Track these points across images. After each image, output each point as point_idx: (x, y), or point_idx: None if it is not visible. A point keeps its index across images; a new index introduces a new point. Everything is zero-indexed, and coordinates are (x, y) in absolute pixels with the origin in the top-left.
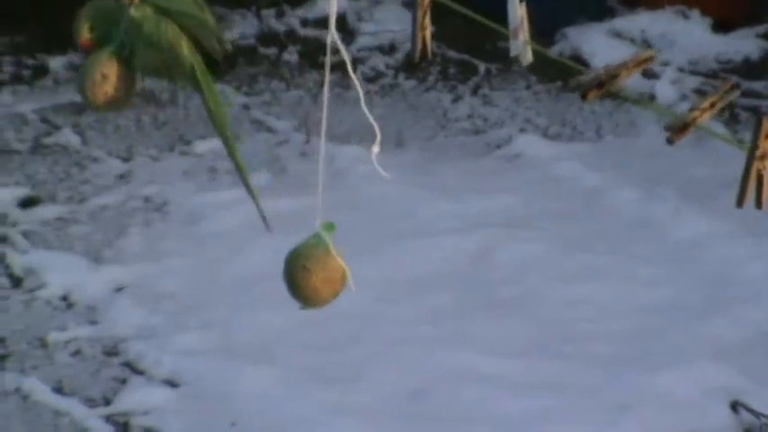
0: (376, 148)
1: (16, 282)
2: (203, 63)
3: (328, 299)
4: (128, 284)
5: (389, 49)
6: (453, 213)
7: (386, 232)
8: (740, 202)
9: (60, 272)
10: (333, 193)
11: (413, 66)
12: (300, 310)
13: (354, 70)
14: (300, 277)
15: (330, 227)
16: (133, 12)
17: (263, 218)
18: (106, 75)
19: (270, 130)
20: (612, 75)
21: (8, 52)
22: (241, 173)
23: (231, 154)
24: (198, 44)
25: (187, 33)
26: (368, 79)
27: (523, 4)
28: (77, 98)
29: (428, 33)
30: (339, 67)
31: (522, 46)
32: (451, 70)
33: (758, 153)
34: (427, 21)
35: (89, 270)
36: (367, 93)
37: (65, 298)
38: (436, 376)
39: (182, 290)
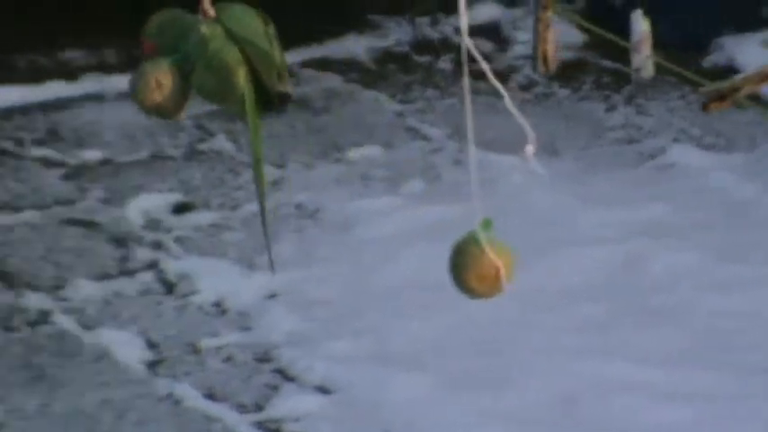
0: (530, 148)
1: (169, 288)
2: (254, 96)
3: (486, 295)
4: (280, 291)
5: (554, 59)
6: (606, 222)
7: (538, 241)
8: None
9: (213, 278)
10: (485, 201)
11: (568, 75)
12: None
13: (508, 79)
14: (456, 274)
15: (487, 224)
16: (204, 28)
17: (264, 225)
18: (161, 83)
19: (424, 137)
20: (735, 88)
21: None
22: (261, 207)
23: (260, 197)
24: (256, 76)
25: (249, 63)
26: (522, 88)
27: (647, 19)
28: None
29: (550, 47)
30: (492, 75)
31: (643, 60)
32: (605, 79)
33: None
34: (548, 34)
35: (242, 276)
36: (521, 101)
37: (217, 304)
38: (586, 384)
39: (334, 296)
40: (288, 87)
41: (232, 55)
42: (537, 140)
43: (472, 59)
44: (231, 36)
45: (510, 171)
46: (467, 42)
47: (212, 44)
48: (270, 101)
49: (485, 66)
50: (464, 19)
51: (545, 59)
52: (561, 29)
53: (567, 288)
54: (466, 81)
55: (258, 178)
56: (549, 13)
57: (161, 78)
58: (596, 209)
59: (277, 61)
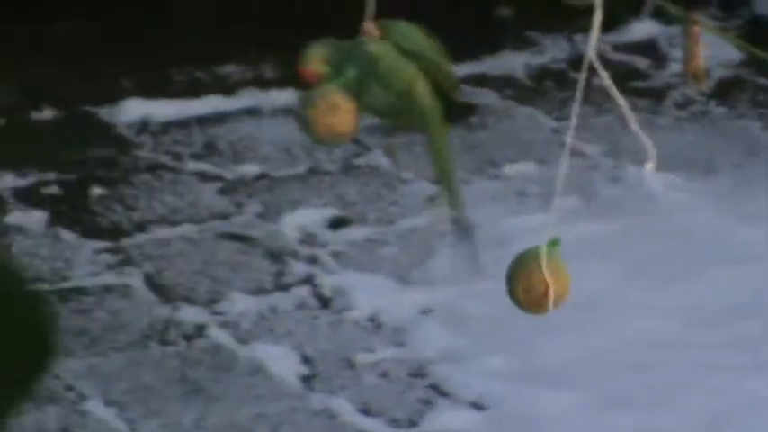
0: (650, 165)
1: (325, 302)
2: (440, 109)
3: (532, 310)
4: (435, 306)
5: (704, 76)
6: (762, 240)
7: (696, 258)
8: None
9: (368, 293)
10: (643, 218)
11: (724, 93)
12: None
13: (665, 97)
14: (508, 281)
15: (554, 242)
16: (372, 47)
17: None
18: (333, 106)
19: (580, 154)
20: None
21: None
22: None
23: (453, 203)
24: (436, 88)
25: (427, 77)
26: (678, 106)
27: None
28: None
29: (700, 62)
30: (649, 93)
31: None
32: (761, 97)
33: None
34: (698, 49)
35: (397, 291)
36: (677, 119)
37: (372, 319)
38: (742, 403)
39: (488, 312)
40: (461, 96)
41: (408, 70)
42: (693, 158)
43: (632, 76)
44: (403, 51)
45: (668, 189)
46: (591, 55)
47: (383, 62)
48: (452, 113)
49: (606, 80)
50: (593, 40)
51: (696, 75)
52: (718, 46)
53: (725, 306)
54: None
55: (452, 193)
56: (698, 28)
57: (332, 101)
58: (753, 226)
59: (450, 71)
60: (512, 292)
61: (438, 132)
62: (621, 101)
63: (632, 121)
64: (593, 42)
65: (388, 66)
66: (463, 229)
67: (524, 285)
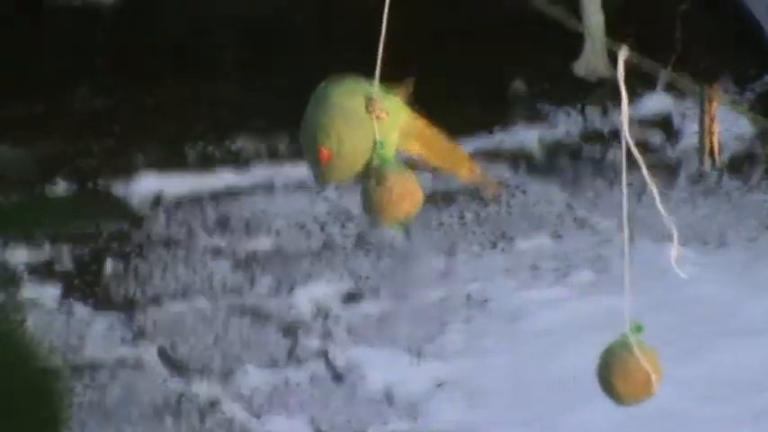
0: (674, 252)
1: (338, 376)
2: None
3: (631, 401)
4: (448, 380)
5: (721, 151)
6: None
7: (708, 331)
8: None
9: (382, 367)
10: (656, 292)
11: (737, 166)
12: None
13: (678, 171)
14: (604, 378)
15: (638, 328)
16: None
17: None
18: (412, 191)
19: (593, 228)
20: None
21: None
22: None
23: None
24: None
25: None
26: (691, 180)
27: None
28: None
29: (716, 140)
30: (662, 167)
31: None
32: None
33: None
34: (715, 126)
35: (410, 365)
36: (690, 194)
37: (386, 393)
38: None
39: (502, 387)
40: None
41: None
42: (706, 232)
43: (646, 150)
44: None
45: (680, 262)
46: (626, 137)
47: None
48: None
49: (640, 161)
50: (625, 120)
51: (711, 152)
52: (731, 119)
53: (738, 379)
54: (624, 176)
55: None
56: (715, 106)
57: (410, 186)
58: (765, 299)
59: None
60: (608, 388)
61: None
62: (652, 186)
63: (657, 198)
64: (624, 118)
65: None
66: None
67: (622, 377)
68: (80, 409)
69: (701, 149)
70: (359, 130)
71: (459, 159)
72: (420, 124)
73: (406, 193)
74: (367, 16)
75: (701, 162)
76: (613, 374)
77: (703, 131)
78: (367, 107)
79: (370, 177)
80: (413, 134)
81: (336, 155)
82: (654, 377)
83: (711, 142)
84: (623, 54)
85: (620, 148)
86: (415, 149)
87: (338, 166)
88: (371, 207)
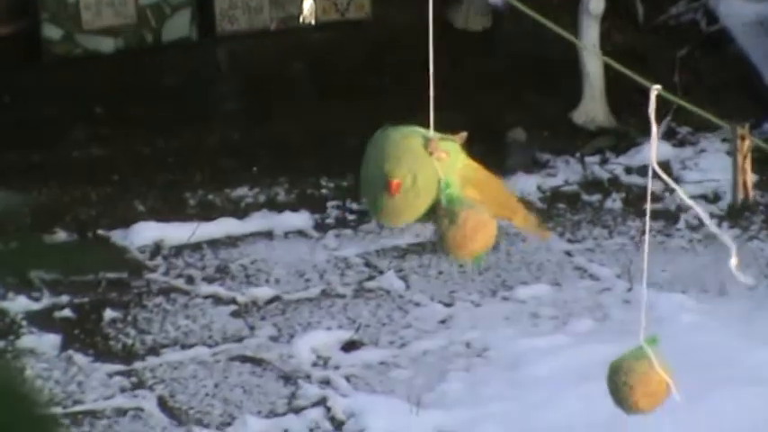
0: (734, 260)
1: (338, 425)
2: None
3: (650, 411)
4: (449, 429)
5: (713, 198)
6: None
7: (707, 380)
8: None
9: (382, 416)
10: None
11: (736, 215)
12: None
13: (678, 219)
14: (622, 394)
15: (653, 340)
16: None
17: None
18: (484, 226)
19: (592, 276)
20: None
21: (334, 197)
22: None
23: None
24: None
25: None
26: (691, 228)
27: None
28: (401, 242)
29: (749, 178)
30: (661, 214)
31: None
32: None
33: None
34: (747, 165)
35: (410, 414)
36: (690, 241)
37: None
38: None
39: None
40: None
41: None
42: (706, 280)
43: (645, 199)
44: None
45: (678, 310)
46: (684, 197)
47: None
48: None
49: (698, 211)
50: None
51: (744, 189)
52: (729, 167)
53: (737, 428)
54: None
55: None
56: (748, 144)
57: (482, 219)
58: (764, 348)
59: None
60: (622, 404)
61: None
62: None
63: (713, 228)
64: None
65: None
66: None
67: (642, 391)
68: None
69: (734, 187)
70: (427, 168)
71: (514, 206)
72: (477, 170)
73: (480, 227)
74: (361, 68)
75: (735, 199)
76: (633, 386)
77: (737, 169)
78: (426, 147)
79: (441, 217)
80: (470, 179)
81: (410, 187)
82: (672, 386)
83: (745, 180)
84: (654, 91)
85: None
86: (471, 195)
87: (409, 200)
88: (447, 246)
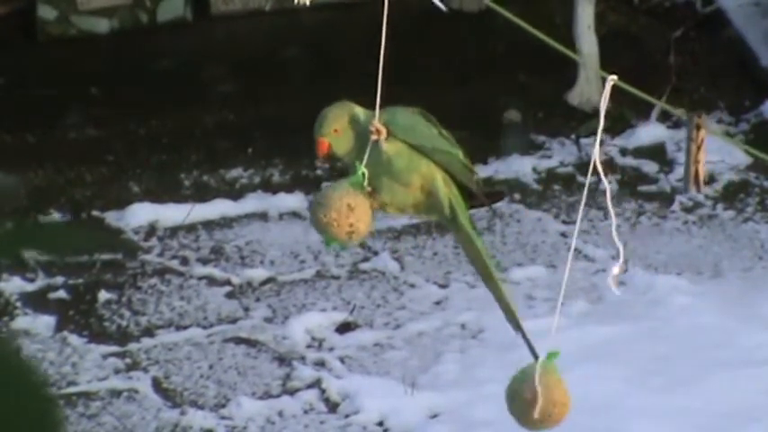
0: (616, 270)
1: (333, 407)
2: (460, 195)
3: (530, 425)
4: (443, 411)
5: (708, 180)
6: None
7: (702, 362)
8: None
9: (376, 397)
10: (650, 322)
11: (732, 196)
12: None
13: (672, 201)
14: (507, 400)
15: (553, 354)
16: (385, 147)
17: (531, 349)
18: (352, 206)
19: (587, 258)
20: None
21: (328, 178)
22: (506, 311)
23: (494, 288)
24: (452, 177)
25: (443, 170)
26: (686, 210)
27: None
28: (396, 224)
29: (701, 168)
30: (657, 196)
31: None
32: None
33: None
34: (701, 156)
35: (405, 396)
36: (685, 223)
37: (380, 423)
38: None
39: (497, 417)
40: (479, 183)
41: (425, 167)
42: (701, 261)
43: (640, 180)
44: (415, 149)
45: (674, 292)
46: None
47: (398, 161)
48: (472, 197)
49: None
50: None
51: (696, 179)
52: (725, 150)
53: (733, 410)
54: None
55: (496, 291)
56: (703, 134)
57: (351, 201)
58: (760, 330)
59: (463, 159)
60: (511, 409)
61: (466, 222)
62: (612, 211)
63: (614, 232)
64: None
65: (403, 164)
66: (513, 322)
67: (517, 402)
68: None
69: (686, 177)
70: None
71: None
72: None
73: (348, 207)
74: (357, 50)
75: (686, 189)
76: (513, 399)
77: (689, 159)
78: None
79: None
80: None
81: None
82: (541, 403)
83: (697, 170)
84: (610, 82)
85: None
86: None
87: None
88: (318, 225)
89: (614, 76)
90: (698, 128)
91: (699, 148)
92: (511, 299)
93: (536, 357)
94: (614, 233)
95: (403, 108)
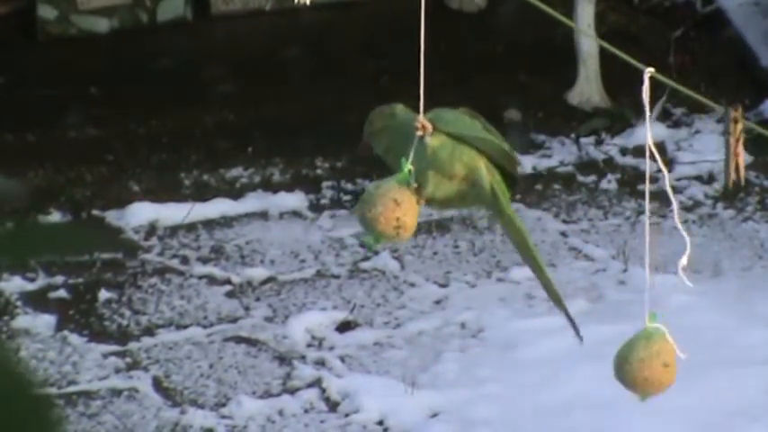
0: (684, 260)
1: (333, 406)
2: (503, 183)
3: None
4: (443, 410)
5: (708, 179)
6: None
7: (702, 361)
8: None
9: (376, 396)
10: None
11: (731, 195)
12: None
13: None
14: (623, 372)
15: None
16: (430, 140)
17: (576, 328)
18: (398, 201)
19: (587, 257)
20: None
21: (329, 177)
22: (551, 292)
23: (539, 273)
24: (496, 166)
25: (488, 159)
26: (686, 209)
27: None
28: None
29: (741, 161)
30: (657, 196)
31: None
32: None
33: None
34: (740, 148)
35: (405, 395)
36: (684, 222)
37: (380, 422)
38: None
39: (497, 416)
40: (520, 169)
41: (467, 156)
42: (700, 261)
43: (640, 180)
44: (457, 138)
45: (673, 291)
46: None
47: (442, 152)
48: (515, 183)
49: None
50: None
51: (737, 173)
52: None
53: (733, 409)
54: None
55: (541, 272)
56: (740, 127)
57: (397, 197)
58: (759, 328)
59: (506, 147)
60: (628, 378)
61: (509, 209)
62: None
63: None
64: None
65: (446, 156)
66: (560, 305)
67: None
68: None
69: (726, 170)
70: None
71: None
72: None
73: (395, 203)
74: (357, 50)
75: (726, 182)
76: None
77: (729, 152)
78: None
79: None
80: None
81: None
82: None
83: (737, 163)
84: (647, 74)
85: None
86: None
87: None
88: (365, 221)
89: (652, 69)
90: (735, 121)
91: (737, 140)
92: (557, 285)
93: (581, 339)
94: (677, 220)
95: (448, 108)
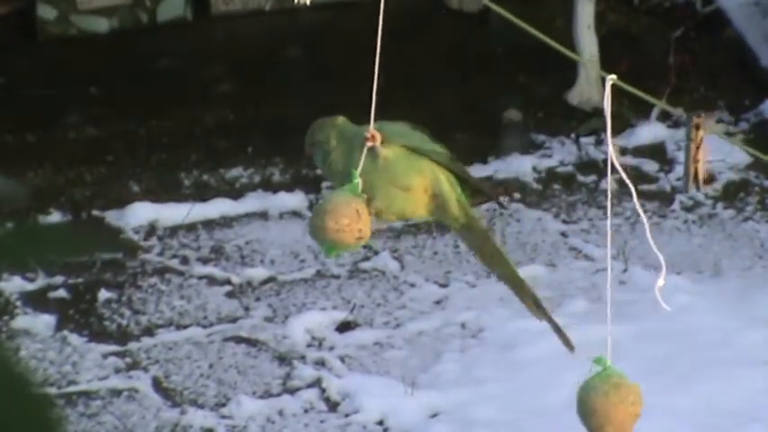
0: (661, 282)
1: (333, 406)
2: (464, 195)
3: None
4: (443, 410)
5: (710, 179)
6: None
7: (702, 361)
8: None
9: (376, 396)
10: (651, 321)
11: (732, 196)
12: None
13: (672, 201)
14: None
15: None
16: (383, 152)
17: (565, 339)
18: (360, 212)
19: (587, 257)
20: None
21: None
22: (532, 309)
23: (517, 285)
24: (454, 176)
25: (442, 167)
26: (686, 209)
27: None
28: (396, 223)
29: (700, 166)
30: (657, 196)
31: None
32: None
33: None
34: (700, 155)
35: (405, 395)
36: (685, 222)
37: (380, 423)
38: None
39: (497, 416)
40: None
41: (426, 168)
42: (701, 261)
43: (640, 180)
44: (414, 151)
45: (674, 291)
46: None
47: (397, 165)
48: (477, 200)
49: (632, 188)
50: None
51: (695, 179)
52: (726, 149)
53: (733, 409)
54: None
55: (516, 283)
56: (701, 134)
57: (359, 208)
58: (760, 328)
59: (454, 158)
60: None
61: (474, 217)
62: (641, 211)
63: (648, 234)
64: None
65: (405, 167)
66: (543, 317)
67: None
68: None
69: (685, 176)
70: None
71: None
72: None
73: (357, 214)
74: (357, 50)
75: (686, 188)
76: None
77: (689, 158)
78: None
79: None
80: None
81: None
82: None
83: (696, 170)
84: (610, 82)
85: (607, 175)
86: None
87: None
88: (316, 231)
89: (613, 76)
90: (697, 127)
91: (698, 147)
92: (536, 293)
93: (571, 349)
94: (649, 237)
95: (392, 121)
